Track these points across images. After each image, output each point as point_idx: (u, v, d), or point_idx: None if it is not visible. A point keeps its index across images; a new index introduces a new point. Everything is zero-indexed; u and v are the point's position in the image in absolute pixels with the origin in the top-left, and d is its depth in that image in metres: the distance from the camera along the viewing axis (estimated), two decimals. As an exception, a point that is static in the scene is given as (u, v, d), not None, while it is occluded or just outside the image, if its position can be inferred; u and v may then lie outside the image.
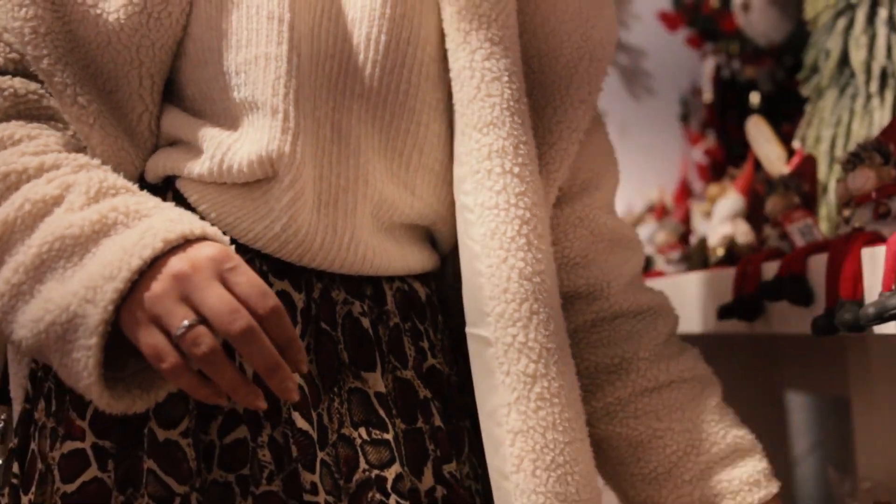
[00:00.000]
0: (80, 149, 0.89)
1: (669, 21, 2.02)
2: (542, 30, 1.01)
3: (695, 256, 1.36)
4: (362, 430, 0.89)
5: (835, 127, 1.36)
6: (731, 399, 1.82)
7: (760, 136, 1.44)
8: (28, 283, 0.80)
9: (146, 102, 0.91)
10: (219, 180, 0.89)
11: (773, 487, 1.02)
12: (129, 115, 0.91)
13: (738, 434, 1.03)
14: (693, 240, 1.66)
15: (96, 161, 0.87)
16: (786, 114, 1.83)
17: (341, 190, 0.91)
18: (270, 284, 0.88)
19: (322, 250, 0.91)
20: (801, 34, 1.79)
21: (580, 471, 0.90)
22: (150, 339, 0.76)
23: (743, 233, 1.39)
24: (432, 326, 0.99)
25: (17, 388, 0.95)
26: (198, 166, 0.89)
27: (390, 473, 0.89)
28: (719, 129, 1.95)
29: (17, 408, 0.95)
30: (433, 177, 0.96)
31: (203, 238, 0.79)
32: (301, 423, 0.86)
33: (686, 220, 1.63)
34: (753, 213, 1.44)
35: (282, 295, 0.89)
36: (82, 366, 0.76)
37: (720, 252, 1.35)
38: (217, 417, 0.87)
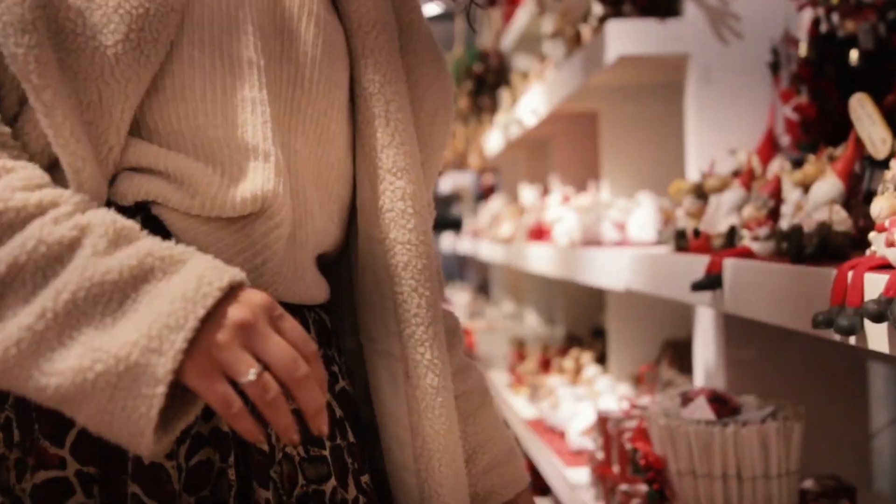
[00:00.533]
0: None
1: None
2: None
3: (790, 245, 1.29)
4: (300, 448, 0.99)
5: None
6: (813, 367, 1.76)
7: (865, 115, 1.34)
8: (56, 329, 0.79)
9: (120, 134, 0.92)
10: (206, 214, 0.94)
11: (527, 481, 1.27)
12: (101, 146, 0.91)
13: (509, 439, 1.25)
14: (784, 209, 1.57)
15: (87, 196, 0.87)
16: (889, 73, 1.71)
17: (299, 224, 1.01)
18: None
19: (285, 281, 1.00)
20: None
21: (462, 465, 1.10)
22: (219, 388, 0.80)
23: (840, 221, 1.31)
24: (337, 351, 1.11)
25: None
26: (184, 198, 0.93)
27: (328, 487, 1.00)
28: (813, 86, 1.83)
29: None
30: (344, 208, 1.10)
31: (243, 284, 0.85)
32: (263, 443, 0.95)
33: (776, 192, 1.54)
34: (851, 198, 1.35)
35: None
36: (139, 414, 0.78)
37: (815, 241, 1.27)
38: (185, 441, 0.92)
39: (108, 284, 0.80)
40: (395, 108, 1.07)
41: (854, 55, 1.76)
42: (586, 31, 2.51)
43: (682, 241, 1.77)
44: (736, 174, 1.74)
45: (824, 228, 1.29)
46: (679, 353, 2.75)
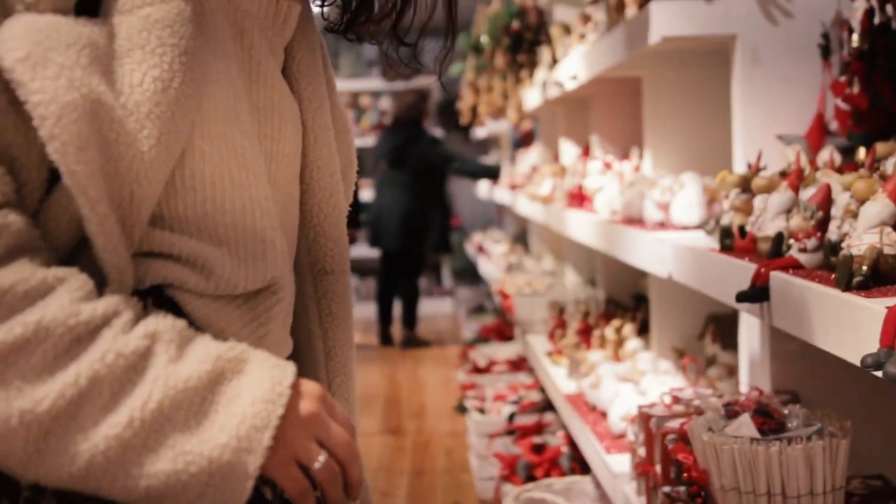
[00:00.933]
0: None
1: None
2: None
3: (840, 273, 1.25)
4: None
5: None
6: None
7: (920, 134, 1.29)
8: (143, 436, 0.85)
9: (142, 229, 0.94)
10: (220, 294, 0.99)
11: None
12: (130, 237, 0.93)
13: None
14: (834, 211, 1.53)
15: (131, 297, 0.92)
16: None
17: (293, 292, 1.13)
18: None
19: (277, 345, 1.07)
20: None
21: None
22: (296, 476, 0.92)
23: (891, 243, 1.27)
24: None
25: None
26: (199, 280, 0.97)
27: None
28: (865, 78, 1.77)
29: None
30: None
31: (298, 377, 0.96)
32: None
33: (825, 202, 1.50)
34: (904, 218, 1.30)
35: None
36: None
37: (865, 269, 1.23)
38: None
39: (190, 391, 0.87)
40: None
41: (909, 47, 1.70)
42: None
43: (729, 241, 1.73)
44: (783, 174, 1.68)
45: (874, 253, 1.25)
46: (722, 329, 2.72)
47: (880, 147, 1.62)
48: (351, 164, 1.26)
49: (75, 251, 0.92)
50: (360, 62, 10.10)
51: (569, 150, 4.30)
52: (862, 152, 1.79)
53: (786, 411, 1.52)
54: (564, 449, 3.19)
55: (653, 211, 2.35)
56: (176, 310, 0.96)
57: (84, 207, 0.86)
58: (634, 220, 2.52)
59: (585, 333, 3.31)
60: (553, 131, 4.89)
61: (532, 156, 5.51)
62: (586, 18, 3.48)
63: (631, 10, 2.41)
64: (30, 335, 0.82)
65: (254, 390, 0.89)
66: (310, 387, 0.95)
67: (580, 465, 3.07)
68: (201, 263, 0.97)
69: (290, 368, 0.93)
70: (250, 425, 0.87)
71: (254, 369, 0.91)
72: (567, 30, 4.14)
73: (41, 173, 0.89)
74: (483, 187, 7.69)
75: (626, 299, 3.60)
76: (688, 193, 2.25)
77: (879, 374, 1.07)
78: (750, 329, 2.08)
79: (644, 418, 1.85)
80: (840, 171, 1.73)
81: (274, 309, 1.04)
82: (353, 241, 5.81)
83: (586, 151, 4.15)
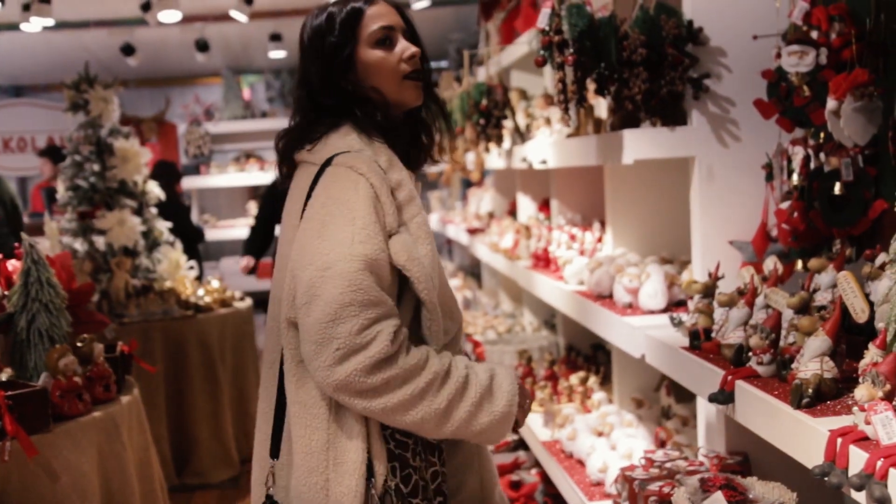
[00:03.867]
0: None
1: (763, 108, 2.26)
2: None
3: (793, 396, 1.69)
4: None
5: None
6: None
7: (849, 289, 1.74)
8: (476, 409, 1.88)
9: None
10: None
11: None
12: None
13: None
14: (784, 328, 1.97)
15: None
16: (866, 199, 2.11)
17: None
18: None
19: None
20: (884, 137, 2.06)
21: None
22: (521, 417, 1.96)
23: (829, 369, 1.72)
24: None
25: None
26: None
27: None
28: (803, 212, 2.22)
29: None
30: None
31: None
32: None
33: (776, 325, 1.94)
34: (837, 348, 1.76)
35: None
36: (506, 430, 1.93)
37: (811, 392, 1.68)
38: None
39: (484, 387, 1.89)
40: None
41: (837, 186, 2.15)
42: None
43: (697, 342, 2.18)
44: (741, 293, 2.13)
45: (817, 379, 1.70)
46: (675, 383, 3.18)
47: (813, 262, 2.06)
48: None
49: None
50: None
51: (526, 204, 4.74)
52: (799, 264, 2.26)
53: (747, 485, 1.97)
54: (539, 485, 3.61)
55: (622, 294, 2.79)
56: None
57: (432, 314, 1.89)
58: (603, 296, 2.96)
59: (552, 380, 3.75)
60: (508, 183, 5.32)
61: (486, 199, 5.93)
62: (548, 99, 3.91)
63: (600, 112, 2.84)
64: (432, 377, 1.83)
65: (505, 383, 1.90)
66: (517, 379, 1.95)
67: (553, 500, 3.50)
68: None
69: (512, 370, 1.94)
70: (510, 397, 1.90)
71: (500, 373, 1.92)
72: (524, 94, 4.57)
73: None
74: (433, 219, 8.10)
75: (585, 348, 4.04)
76: (653, 283, 2.70)
77: (826, 479, 1.50)
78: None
79: (628, 480, 2.29)
80: (782, 279, 2.19)
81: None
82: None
83: (541, 207, 4.59)
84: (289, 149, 2.02)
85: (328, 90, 1.96)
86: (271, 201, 6.07)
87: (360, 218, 1.80)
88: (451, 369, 1.84)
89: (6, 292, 3.23)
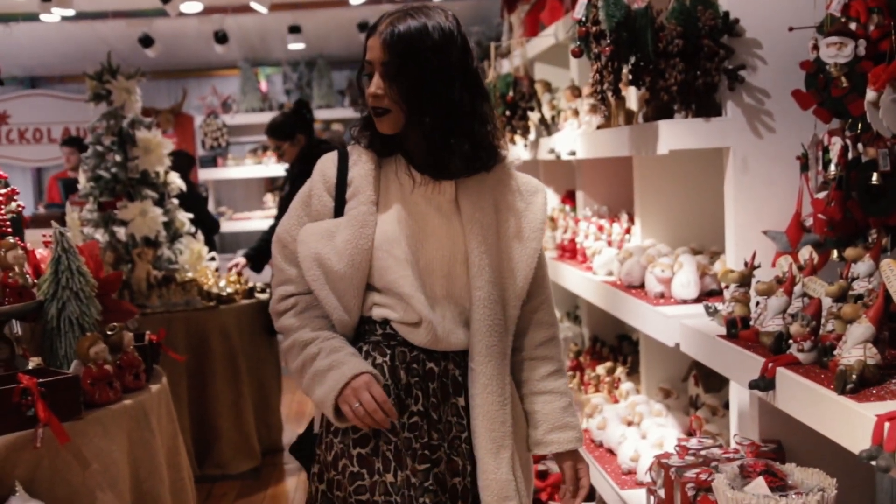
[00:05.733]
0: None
1: (802, 99, 2.27)
2: None
3: (837, 382, 1.70)
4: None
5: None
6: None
7: (893, 277, 1.75)
8: (310, 383, 2.13)
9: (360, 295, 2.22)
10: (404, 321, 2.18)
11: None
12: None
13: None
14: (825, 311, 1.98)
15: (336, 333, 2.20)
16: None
17: None
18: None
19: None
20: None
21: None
22: (347, 410, 2.07)
23: (872, 356, 1.73)
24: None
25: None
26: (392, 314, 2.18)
27: None
28: (840, 202, 2.22)
29: None
30: None
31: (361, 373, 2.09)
32: None
33: (817, 312, 1.95)
34: (879, 335, 1.77)
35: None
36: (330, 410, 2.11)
37: (855, 378, 1.69)
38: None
39: (321, 372, 2.10)
40: None
41: (875, 176, 2.16)
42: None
43: (734, 330, 2.19)
44: (780, 281, 2.14)
45: (860, 365, 1.71)
46: (703, 373, 3.20)
47: (850, 252, 2.08)
48: (522, 255, 2.22)
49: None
50: (331, 92, 10.48)
51: (550, 197, 4.74)
52: (835, 253, 2.27)
53: (786, 471, 1.98)
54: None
55: (654, 284, 2.80)
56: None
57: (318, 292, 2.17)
58: (634, 286, 2.97)
59: (579, 371, 3.77)
60: (532, 175, 5.32)
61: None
62: (575, 90, 3.92)
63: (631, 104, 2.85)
64: (292, 342, 2.17)
65: (331, 380, 2.06)
66: (362, 377, 2.07)
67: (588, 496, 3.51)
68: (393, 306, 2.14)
69: (354, 369, 2.08)
70: (327, 392, 2.07)
71: (342, 370, 2.07)
72: (548, 86, 4.58)
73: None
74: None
75: (610, 339, 4.05)
76: (685, 273, 2.71)
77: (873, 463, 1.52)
78: (739, 387, 2.53)
79: (664, 467, 2.30)
80: (817, 269, 2.20)
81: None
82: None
83: (564, 199, 4.60)
84: None
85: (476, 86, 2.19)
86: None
87: (293, 203, 2.27)
88: (310, 344, 2.16)
89: (35, 281, 3.26)
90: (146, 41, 8.43)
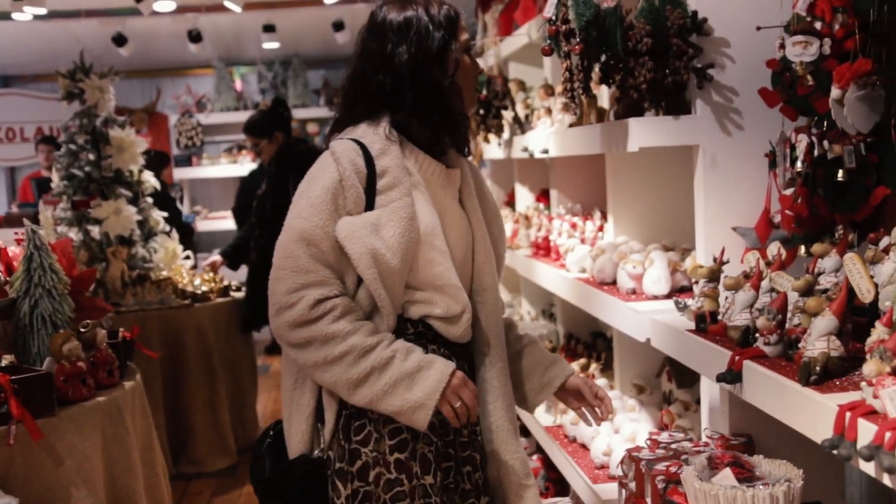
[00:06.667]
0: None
1: (768, 97, 2.31)
2: None
3: (801, 373, 1.73)
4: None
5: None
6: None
7: (856, 270, 1.79)
8: (388, 391, 2.03)
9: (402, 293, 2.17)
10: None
11: (572, 370, 2.38)
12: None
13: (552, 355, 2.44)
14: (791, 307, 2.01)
15: (390, 332, 2.12)
16: (867, 186, 2.16)
17: None
18: None
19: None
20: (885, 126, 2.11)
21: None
22: (448, 411, 2.06)
23: (836, 348, 1.76)
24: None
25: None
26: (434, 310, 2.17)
27: None
28: (807, 198, 2.26)
29: None
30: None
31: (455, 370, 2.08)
32: None
33: (783, 306, 1.98)
34: (843, 328, 1.80)
35: None
36: (425, 417, 2.06)
37: (818, 369, 1.72)
38: None
39: (406, 375, 2.03)
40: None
41: (840, 173, 2.20)
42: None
43: (703, 325, 2.22)
44: (747, 276, 2.17)
45: (824, 357, 1.75)
46: (676, 369, 3.23)
47: (817, 247, 2.11)
48: (501, 238, 2.31)
49: (371, 311, 2.11)
50: (306, 91, 10.48)
51: (524, 195, 4.78)
52: (802, 249, 2.31)
53: (754, 462, 2.01)
54: (541, 470, 3.66)
55: (626, 280, 2.83)
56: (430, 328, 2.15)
57: (373, 291, 2.06)
58: (606, 283, 3.01)
59: (552, 368, 3.79)
60: (506, 174, 5.36)
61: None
62: (548, 89, 3.95)
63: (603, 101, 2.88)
64: (347, 349, 2.02)
65: (432, 378, 2.03)
66: (458, 374, 2.05)
67: (554, 486, 3.55)
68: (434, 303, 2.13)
69: (450, 367, 2.05)
70: (430, 392, 2.02)
71: (435, 367, 2.04)
72: (522, 85, 4.61)
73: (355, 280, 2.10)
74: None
75: (585, 336, 4.08)
76: (657, 269, 2.74)
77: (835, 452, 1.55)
78: (710, 382, 2.57)
79: (635, 461, 2.33)
80: (785, 264, 2.24)
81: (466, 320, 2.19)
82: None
83: (539, 197, 4.64)
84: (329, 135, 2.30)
85: (414, 75, 2.13)
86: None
87: (313, 196, 2.08)
88: (375, 348, 2.03)
89: (8, 278, 3.25)
90: (119, 40, 8.40)
